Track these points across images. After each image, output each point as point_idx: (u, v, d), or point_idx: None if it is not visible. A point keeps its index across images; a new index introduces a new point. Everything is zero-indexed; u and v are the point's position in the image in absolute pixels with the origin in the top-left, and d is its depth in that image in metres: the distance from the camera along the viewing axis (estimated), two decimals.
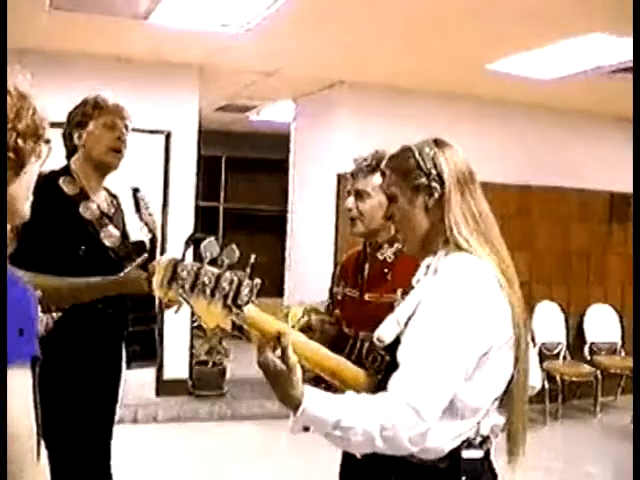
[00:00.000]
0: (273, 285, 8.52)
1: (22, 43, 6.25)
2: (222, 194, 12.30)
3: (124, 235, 3.18)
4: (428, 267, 2.11)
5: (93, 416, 3.14)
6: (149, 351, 3.19)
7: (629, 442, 6.05)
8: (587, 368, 8.07)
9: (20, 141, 1.43)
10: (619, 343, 8.57)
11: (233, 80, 8.23)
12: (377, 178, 2.90)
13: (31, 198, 1.54)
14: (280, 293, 8.84)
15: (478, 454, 2.02)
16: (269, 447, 6.51)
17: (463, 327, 1.90)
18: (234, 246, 1.72)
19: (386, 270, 2.89)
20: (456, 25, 5.70)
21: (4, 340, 1.29)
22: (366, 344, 2.77)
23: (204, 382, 7.51)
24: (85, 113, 3.19)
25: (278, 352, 1.82)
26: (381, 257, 2.92)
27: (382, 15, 5.59)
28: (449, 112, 7.84)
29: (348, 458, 2.88)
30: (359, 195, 2.94)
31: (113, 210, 3.25)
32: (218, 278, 1.68)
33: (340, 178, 7.80)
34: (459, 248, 2.04)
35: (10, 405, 1.32)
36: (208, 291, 1.69)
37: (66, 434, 2.94)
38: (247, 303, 1.73)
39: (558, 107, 8.34)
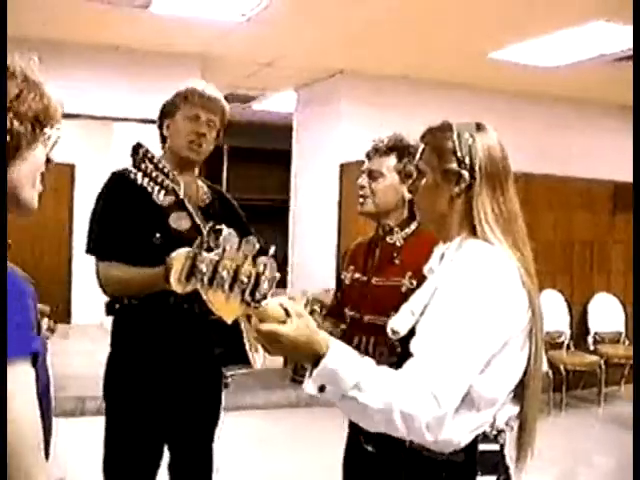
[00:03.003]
0: None
1: (21, 32, 6.23)
2: (224, 184, 12.28)
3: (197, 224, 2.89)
4: (442, 256, 2.08)
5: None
6: (240, 354, 2.94)
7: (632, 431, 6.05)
8: (591, 358, 8.06)
9: (16, 123, 1.41)
10: (623, 332, 8.55)
11: (234, 70, 8.21)
12: (392, 160, 2.91)
13: (40, 188, 1.51)
14: (283, 283, 8.83)
15: (494, 447, 1.98)
16: (271, 437, 6.51)
17: (482, 315, 1.85)
18: (253, 238, 1.68)
19: (395, 254, 2.88)
20: (458, 13, 5.68)
21: (4, 341, 1.28)
22: (372, 338, 2.76)
23: None
24: (173, 103, 3.14)
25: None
26: (391, 241, 2.91)
27: (383, 3, 5.56)
28: (451, 101, 7.81)
29: (354, 450, 2.88)
30: (372, 175, 2.93)
31: (207, 202, 3.15)
32: (237, 272, 1.64)
33: (342, 168, 7.78)
34: (476, 237, 2.00)
35: (13, 401, 1.30)
36: (227, 285, 1.63)
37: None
38: (265, 297, 1.69)
39: (561, 95, 8.32)
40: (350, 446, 2.94)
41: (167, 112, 3.15)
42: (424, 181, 2.08)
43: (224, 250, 1.62)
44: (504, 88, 8.12)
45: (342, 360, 1.72)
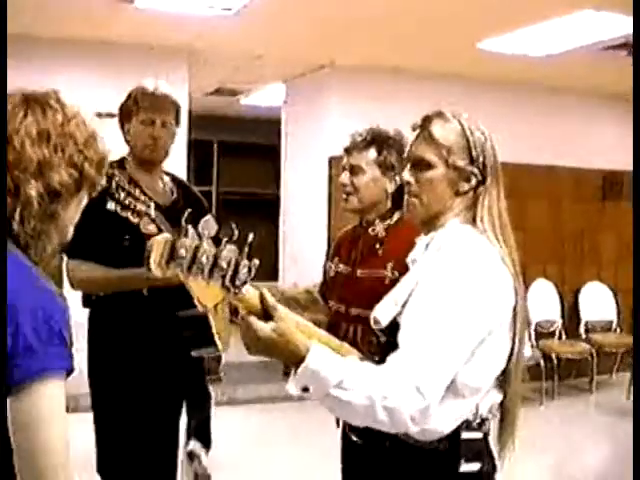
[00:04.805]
0: (267, 268, 8.50)
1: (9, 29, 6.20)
2: (214, 178, 12.28)
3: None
4: (426, 246, 2.08)
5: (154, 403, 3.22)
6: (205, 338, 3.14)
7: (625, 419, 6.08)
8: (582, 346, 8.08)
9: (87, 165, 1.55)
10: (614, 321, 8.58)
11: (222, 64, 8.19)
12: (372, 153, 2.89)
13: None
14: (274, 276, 8.83)
15: (477, 435, 2.00)
16: (267, 431, 6.52)
17: (467, 305, 1.86)
18: (232, 225, 1.70)
19: (377, 245, 2.88)
20: (445, 3, 5.67)
21: (4, 341, 1.32)
22: (359, 327, 2.76)
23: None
24: (128, 107, 3.27)
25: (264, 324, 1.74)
26: (373, 232, 2.91)
27: None
28: (440, 92, 7.80)
29: (346, 441, 2.88)
30: (353, 170, 2.92)
31: (172, 199, 3.27)
32: (216, 257, 1.65)
33: (332, 161, 7.77)
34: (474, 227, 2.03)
35: (46, 416, 1.35)
36: (206, 270, 1.64)
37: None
38: (245, 283, 1.70)
39: (550, 85, 8.32)
40: (343, 438, 2.95)
41: (125, 116, 3.28)
42: (431, 173, 2.05)
43: (203, 236, 1.64)
44: (494, 78, 8.12)
45: (323, 361, 1.74)
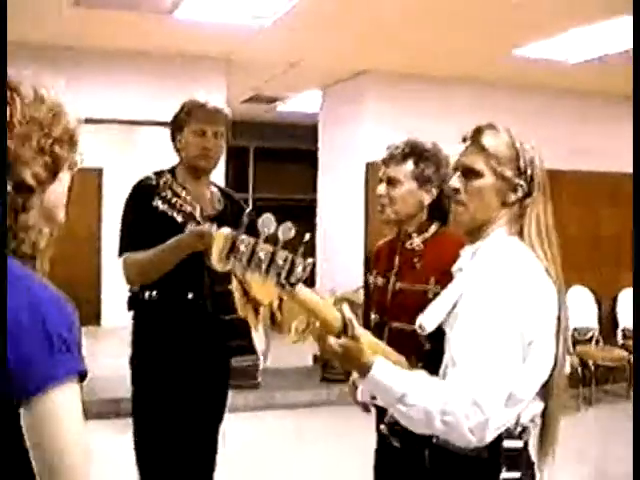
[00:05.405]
0: None
1: (46, 40, 6.34)
2: (251, 185, 12.32)
3: None
4: (473, 255, 2.11)
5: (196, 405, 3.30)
6: (247, 344, 3.20)
7: None
8: (620, 352, 8.02)
9: (57, 147, 1.45)
10: None
11: (259, 71, 8.25)
12: (409, 165, 2.89)
13: (65, 203, 1.56)
14: (312, 282, 8.84)
15: (518, 444, 2.02)
16: (303, 435, 6.55)
17: (516, 318, 1.90)
18: (290, 224, 1.74)
19: (415, 259, 2.88)
20: (482, 10, 5.68)
21: (4, 340, 1.29)
22: (399, 340, 2.76)
23: (238, 374, 7.54)
24: (180, 119, 3.34)
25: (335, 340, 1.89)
26: (410, 247, 2.92)
27: (406, 3, 5.59)
28: (476, 98, 7.82)
29: (383, 446, 2.91)
30: (390, 182, 2.93)
31: (219, 209, 3.37)
32: (273, 255, 1.70)
33: (368, 167, 7.80)
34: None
35: (64, 425, 1.31)
36: (263, 267, 1.70)
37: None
38: (299, 281, 1.75)
39: (587, 91, 8.29)
40: (380, 442, 2.97)
41: (176, 127, 3.36)
42: (480, 181, 2.09)
43: (261, 234, 1.69)
44: (529, 85, 8.11)
45: (386, 373, 1.89)
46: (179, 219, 2.99)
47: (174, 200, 2.97)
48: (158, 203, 2.96)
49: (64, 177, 1.51)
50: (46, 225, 1.47)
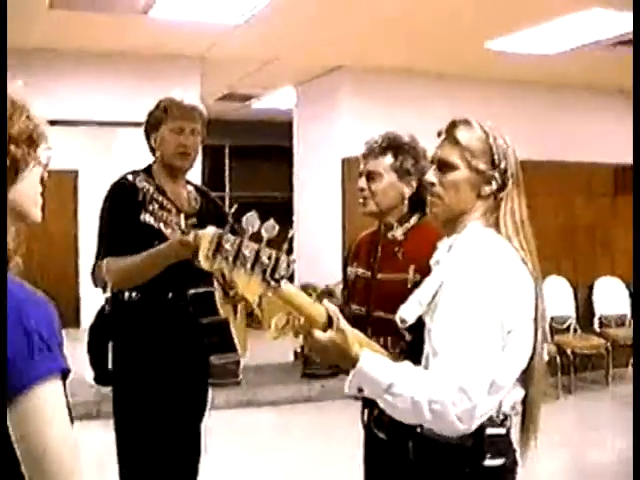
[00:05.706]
0: None
1: (22, 43, 6.30)
2: (227, 183, 12.32)
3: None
4: (450, 247, 2.15)
5: (178, 404, 3.29)
6: (227, 343, 3.20)
7: None
8: (597, 340, 8.12)
9: (12, 147, 1.44)
10: (628, 314, 8.60)
11: (233, 69, 8.26)
12: (388, 158, 2.92)
13: (40, 201, 1.56)
14: (290, 278, 8.86)
15: (501, 431, 2.06)
16: (287, 432, 6.57)
17: (494, 306, 1.94)
18: (273, 221, 1.77)
19: (396, 249, 2.91)
20: (454, 4, 5.71)
21: (4, 340, 1.30)
22: (382, 329, 2.79)
23: (220, 371, 7.54)
24: (156, 116, 3.32)
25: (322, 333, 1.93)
26: (391, 237, 2.95)
27: None
28: (451, 91, 7.87)
29: (370, 439, 2.94)
30: (371, 175, 2.96)
31: (196, 208, 3.36)
32: (258, 252, 1.73)
33: (344, 162, 7.82)
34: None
35: (47, 422, 1.32)
36: (249, 265, 1.74)
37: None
38: (283, 278, 1.79)
39: (559, 82, 8.35)
40: (367, 435, 2.99)
41: (152, 125, 3.33)
42: (454, 175, 2.13)
43: (246, 232, 1.73)
44: (502, 77, 8.16)
45: (373, 365, 1.93)
46: (166, 231, 2.98)
47: (160, 213, 2.97)
48: (145, 217, 2.94)
49: (30, 176, 1.50)
50: (13, 224, 1.47)
